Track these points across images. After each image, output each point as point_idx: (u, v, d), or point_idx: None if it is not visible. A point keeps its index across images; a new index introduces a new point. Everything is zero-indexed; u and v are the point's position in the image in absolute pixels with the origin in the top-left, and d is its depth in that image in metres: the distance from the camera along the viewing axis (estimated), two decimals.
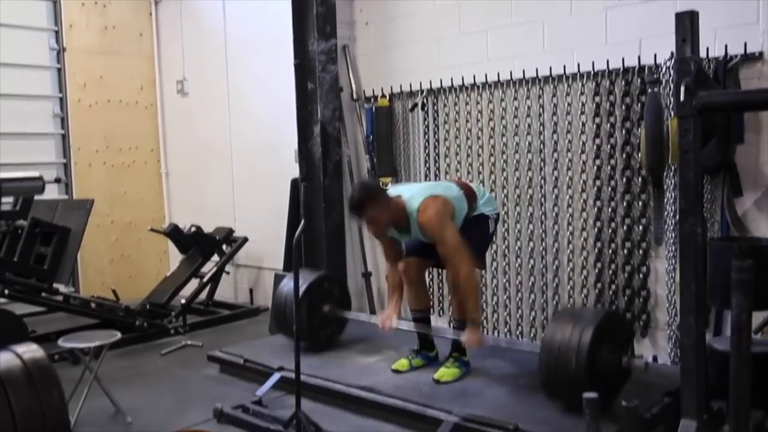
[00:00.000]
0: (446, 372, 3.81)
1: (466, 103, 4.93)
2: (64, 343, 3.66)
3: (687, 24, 2.34)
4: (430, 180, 5.16)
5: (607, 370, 3.21)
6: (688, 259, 2.53)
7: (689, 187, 2.45)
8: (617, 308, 4.29)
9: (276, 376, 3.98)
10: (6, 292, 4.73)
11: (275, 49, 5.91)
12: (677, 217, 3.60)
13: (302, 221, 3.27)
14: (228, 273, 6.33)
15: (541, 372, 3.30)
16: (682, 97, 2.34)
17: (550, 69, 4.44)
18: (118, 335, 3.84)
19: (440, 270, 4.99)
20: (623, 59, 4.12)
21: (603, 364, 3.19)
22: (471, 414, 3.27)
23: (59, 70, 6.59)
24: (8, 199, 5.05)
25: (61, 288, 5.16)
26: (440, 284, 5.20)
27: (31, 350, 1.84)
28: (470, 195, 3.83)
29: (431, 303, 4.20)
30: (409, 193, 3.75)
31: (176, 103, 7.15)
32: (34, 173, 2.01)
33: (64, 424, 1.79)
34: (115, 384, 4.07)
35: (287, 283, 4.48)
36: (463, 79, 4.88)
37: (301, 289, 4.33)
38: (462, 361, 3.88)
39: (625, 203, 4.25)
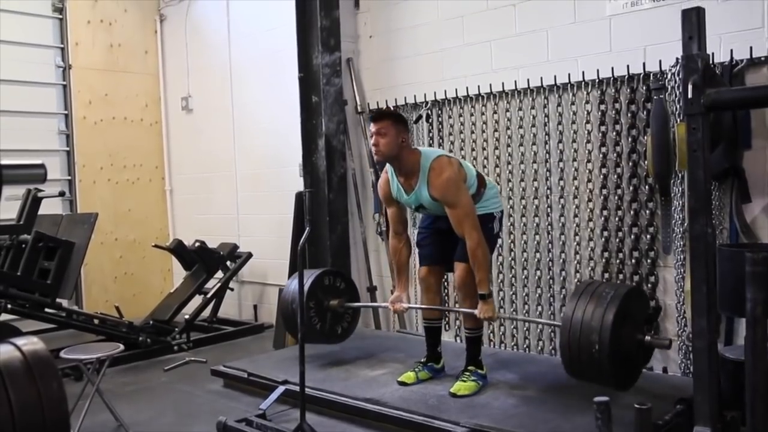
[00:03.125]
0: (463, 386, 3.69)
1: (471, 114, 4.92)
2: (66, 354, 3.61)
3: (693, 20, 2.32)
4: None
5: (629, 348, 3.13)
6: (698, 260, 2.48)
7: (699, 186, 2.41)
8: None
9: (280, 389, 3.92)
10: (9, 306, 4.68)
11: (279, 65, 5.96)
12: (686, 223, 3.58)
13: (307, 228, 3.22)
14: (232, 289, 6.28)
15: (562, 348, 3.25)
16: (689, 95, 2.30)
17: (555, 78, 4.42)
18: (121, 347, 3.79)
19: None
20: (628, 67, 4.10)
21: (625, 342, 3.12)
22: (479, 425, 3.20)
23: (65, 87, 6.63)
24: (12, 215, 5.07)
25: (64, 303, 5.13)
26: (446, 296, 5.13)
27: (31, 342, 1.80)
28: (480, 179, 3.79)
29: (443, 314, 4.14)
30: (426, 150, 3.72)
31: (181, 120, 7.17)
32: (37, 160, 1.98)
33: (63, 416, 1.74)
34: (118, 399, 4.02)
35: (290, 284, 4.41)
36: (467, 90, 4.87)
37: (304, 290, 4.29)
38: (478, 374, 3.77)
39: (632, 212, 4.21)
